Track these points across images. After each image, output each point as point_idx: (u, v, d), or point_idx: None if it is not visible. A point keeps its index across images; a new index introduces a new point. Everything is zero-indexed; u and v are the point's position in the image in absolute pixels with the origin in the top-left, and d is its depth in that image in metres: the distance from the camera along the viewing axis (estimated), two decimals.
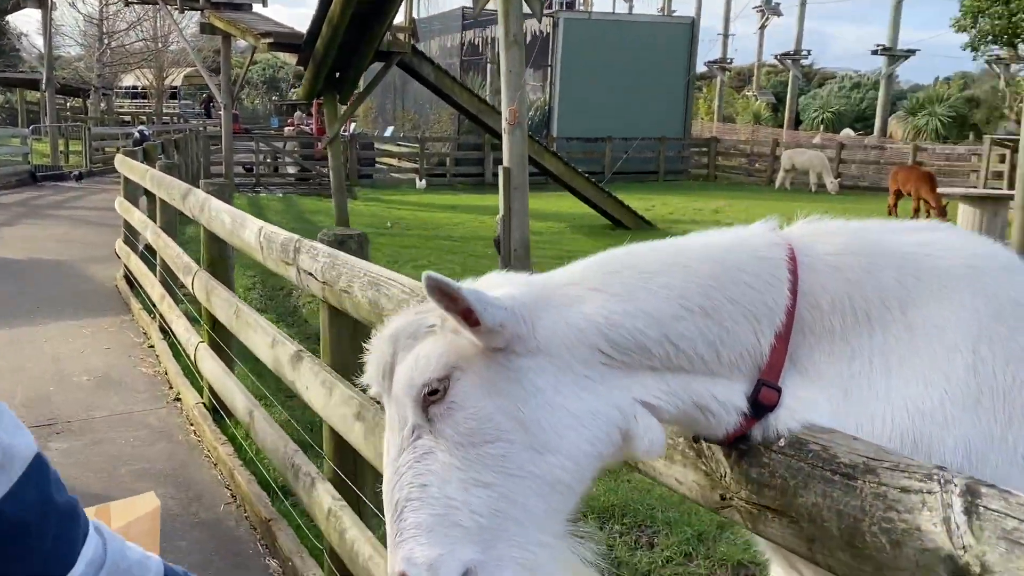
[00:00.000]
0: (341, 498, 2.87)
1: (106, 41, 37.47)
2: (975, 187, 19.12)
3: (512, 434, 1.06)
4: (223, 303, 4.17)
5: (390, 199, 19.62)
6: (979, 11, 21.92)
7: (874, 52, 32.72)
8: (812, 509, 1.10)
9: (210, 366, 4.63)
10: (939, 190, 15.81)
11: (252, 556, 3.58)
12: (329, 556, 3.00)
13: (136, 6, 27.29)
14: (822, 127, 36.31)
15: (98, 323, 7.39)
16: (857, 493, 1.04)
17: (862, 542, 1.03)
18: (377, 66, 13.95)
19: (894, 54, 32.34)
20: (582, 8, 32.00)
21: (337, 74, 13.36)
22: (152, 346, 6.60)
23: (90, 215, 14.96)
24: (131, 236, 8.66)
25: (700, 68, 33.80)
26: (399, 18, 13.48)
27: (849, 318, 1.16)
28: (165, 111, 41.28)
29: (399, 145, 25.55)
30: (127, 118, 36.66)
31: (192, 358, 5.07)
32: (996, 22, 22.15)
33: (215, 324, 4.73)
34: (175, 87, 48.17)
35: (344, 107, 14.09)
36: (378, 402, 1.22)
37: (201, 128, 27.54)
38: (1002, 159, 20.73)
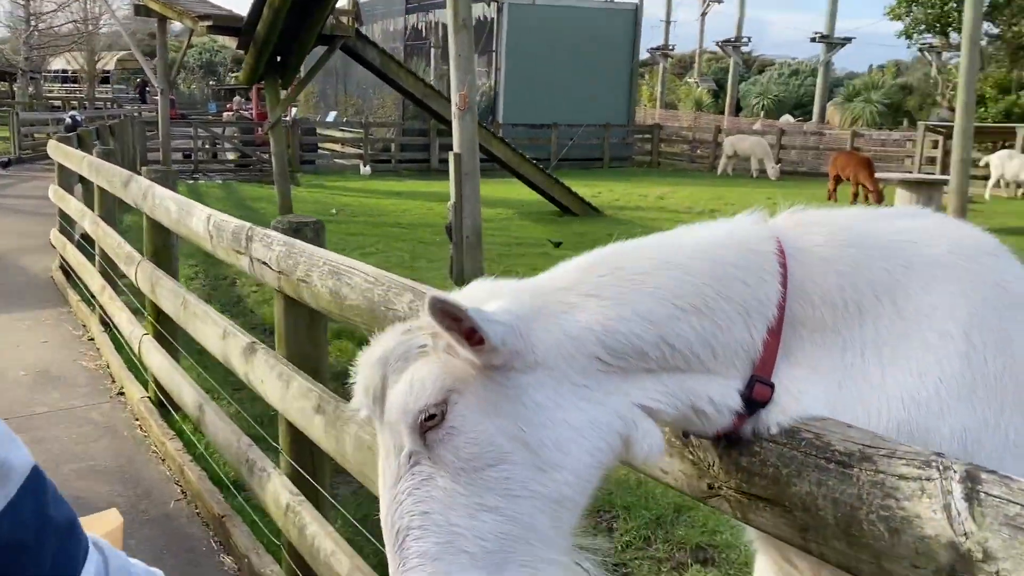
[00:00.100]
0: (299, 493, 2.80)
1: (33, 23, 36.09)
2: (910, 172, 19.63)
3: (515, 455, 1.02)
4: (169, 294, 4.04)
5: (334, 185, 19.34)
6: (913, 0, 22.47)
7: (812, 40, 33.32)
8: (806, 498, 1.08)
9: (156, 359, 4.49)
10: (877, 175, 16.19)
11: (205, 553, 3.49)
12: (288, 552, 2.94)
13: None
14: (762, 114, 36.89)
15: (34, 316, 7.13)
16: (853, 481, 1.03)
17: (859, 530, 1.02)
18: (320, 50, 13.69)
19: (831, 42, 32.98)
20: None
21: (279, 58, 13.08)
22: (92, 339, 6.39)
23: (21, 204, 14.42)
24: (67, 225, 8.36)
25: (643, 55, 34.00)
26: (342, 1, 13.25)
27: (840, 310, 1.15)
28: (98, 96, 39.94)
29: (342, 130, 25.18)
30: (57, 103, 35.40)
31: (136, 351, 4.91)
32: (929, 11, 22.74)
33: (160, 316, 4.58)
34: (107, 71, 46.74)
35: (286, 92, 13.81)
36: (354, 407, 1.17)
37: (136, 113, 26.77)
38: (935, 145, 21.32)
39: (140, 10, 16.51)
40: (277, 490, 2.85)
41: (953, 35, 24.87)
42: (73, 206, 7.68)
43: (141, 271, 4.62)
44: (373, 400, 1.08)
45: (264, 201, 15.41)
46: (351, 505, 3.64)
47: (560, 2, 25.08)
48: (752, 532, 1.43)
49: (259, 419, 4.59)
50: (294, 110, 25.26)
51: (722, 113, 35.18)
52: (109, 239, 5.78)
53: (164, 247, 4.69)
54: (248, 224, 2.99)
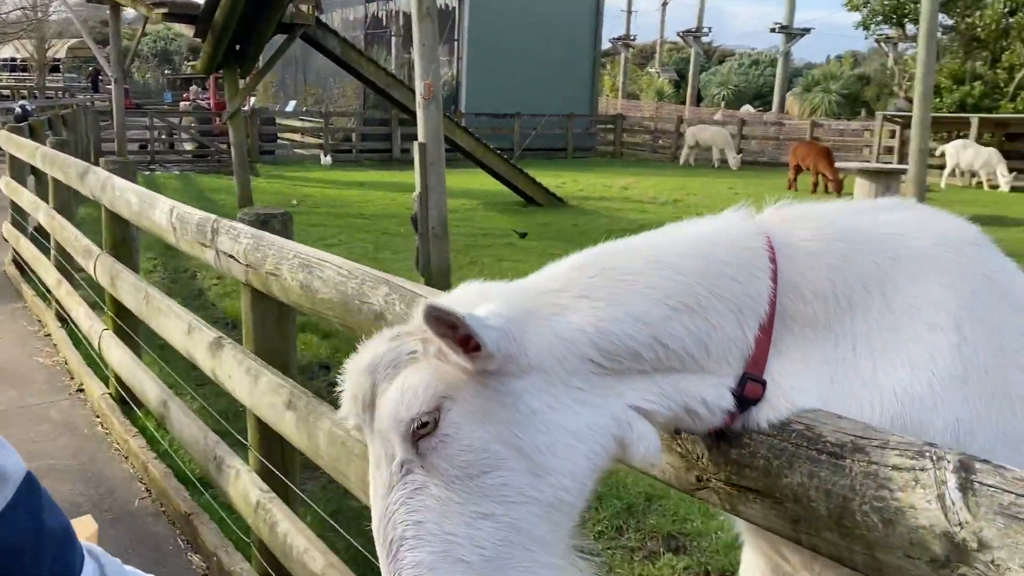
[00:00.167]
0: (270, 490, 2.76)
1: None
2: (868, 161, 19.94)
3: (510, 461, 1.01)
4: (131, 288, 3.94)
5: (294, 176, 19.12)
6: None
7: (772, 30, 33.66)
8: (798, 489, 1.08)
9: (117, 355, 4.39)
10: (836, 165, 16.41)
11: (172, 552, 3.42)
12: (258, 549, 2.89)
13: None
14: (723, 104, 37.19)
15: None
16: (846, 472, 1.03)
17: (852, 521, 1.02)
18: (279, 39, 13.49)
19: (790, 32, 33.35)
20: None
21: (237, 47, 12.86)
22: (49, 335, 6.24)
23: None
24: (19, 218, 8.14)
25: (604, 45, 34.04)
26: None
27: (831, 304, 1.14)
28: (48, 85, 39.00)
29: (302, 120, 24.88)
30: (6, 92, 34.52)
31: (96, 347, 4.80)
32: (886, 2, 23.06)
33: (120, 310, 4.48)
34: (58, 59, 45.61)
35: (246, 81, 13.59)
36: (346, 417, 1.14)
37: (89, 103, 26.16)
38: (892, 134, 21.68)
39: None
40: (247, 487, 2.80)
41: (909, 26, 25.29)
42: (26, 198, 7.47)
43: (100, 265, 4.51)
44: (362, 408, 1.05)
45: (223, 192, 15.18)
46: (320, 500, 3.59)
47: None
48: (741, 525, 1.42)
49: (224, 414, 4.52)
50: (252, 99, 24.90)
51: (683, 103, 35.41)
52: (65, 232, 5.63)
53: (124, 240, 4.58)
54: (213, 216, 2.93)
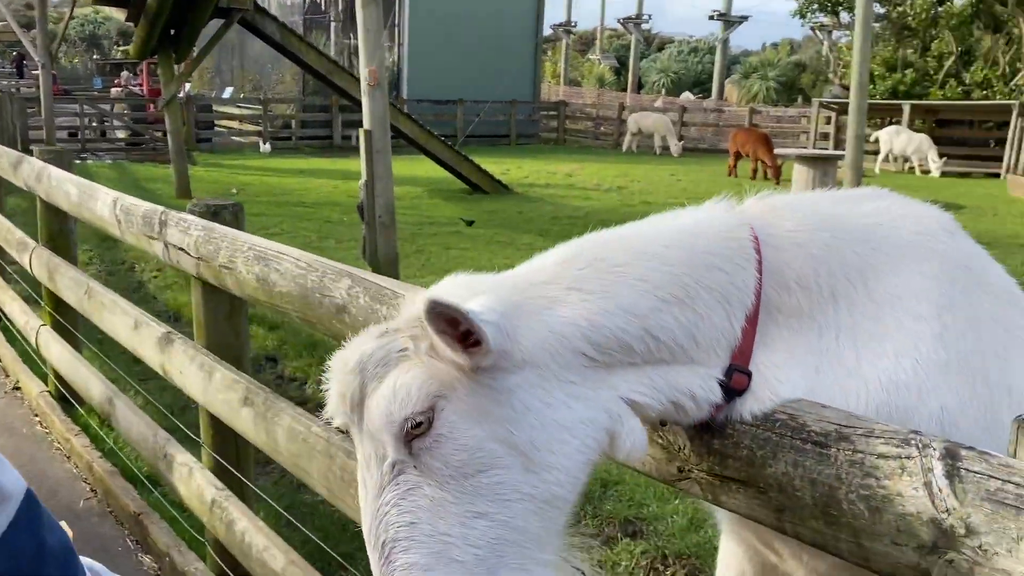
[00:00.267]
0: (225, 487, 2.70)
1: None
2: (805, 147, 20.35)
3: (505, 459, 0.99)
4: (71, 283, 3.81)
5: (233, 164, 18.73)
6: None
7: (711, 17, 34.03)
8: (782, 479, 1.08)
9: (57, 351, 4.24)
10: (775, 151, 16.70)
11: (122, 553, 3.32)
12: (214, 549, 2.83)
13: None
14: (663, 91, 37.53)
15: None
16: (831, 461, 1.04)
17: (838, 510, 1.02)
18: (216, 23, 13.16)
19: (729, 19, 33.76)
20: None
21: (172, 31, 12.51)
22: None
23: None
24: None
25: (545, 31, 34.05)
26: None
27: (815, 294, 1.15)
28: None
29: (239, 107, 24.36)
30: None
31: (34, 343, 4.63)
32: None
33: (59, 305, 4.33)
34: None
35: (181, 67, 13.24)
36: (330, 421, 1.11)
37: (15, 89, 25.19)
38: (828, 121, 22.15)
39: None
40: (201, 485, 2.73)
41: (843, 14, 25.85)
42: None
43: (36, 258, 4.34)
44: (351, 408, 1.02)
45: (160, 181, 14.78)
46: (273, 496, 3.53)
47: None
48: (721, 514, 1.43)
49: (169, 409, 4.40)
50: (187, 86, 24.30)
51: (624, 90, 35.62)
52: None
53: (61, 232, 4.42)
54: (161, 208, 2.83)
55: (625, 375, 1.07)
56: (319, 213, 12.21)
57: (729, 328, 1.11)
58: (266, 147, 21.22)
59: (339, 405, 1.04)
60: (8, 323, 5.38)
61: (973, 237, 1.33)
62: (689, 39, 44.98)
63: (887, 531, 0.98)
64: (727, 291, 1.11)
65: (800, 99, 30.72)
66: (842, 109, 20.51)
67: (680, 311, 1.08)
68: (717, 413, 1.13)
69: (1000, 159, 19.20)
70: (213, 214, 2.65)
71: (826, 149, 19.42)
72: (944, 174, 18.65)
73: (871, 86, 22.36)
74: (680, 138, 23.26)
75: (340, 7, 25.01)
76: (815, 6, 25.28)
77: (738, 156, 17.68)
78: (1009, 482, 0.89)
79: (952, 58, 22.71)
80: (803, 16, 26.39)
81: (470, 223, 11.33)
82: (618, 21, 39.12)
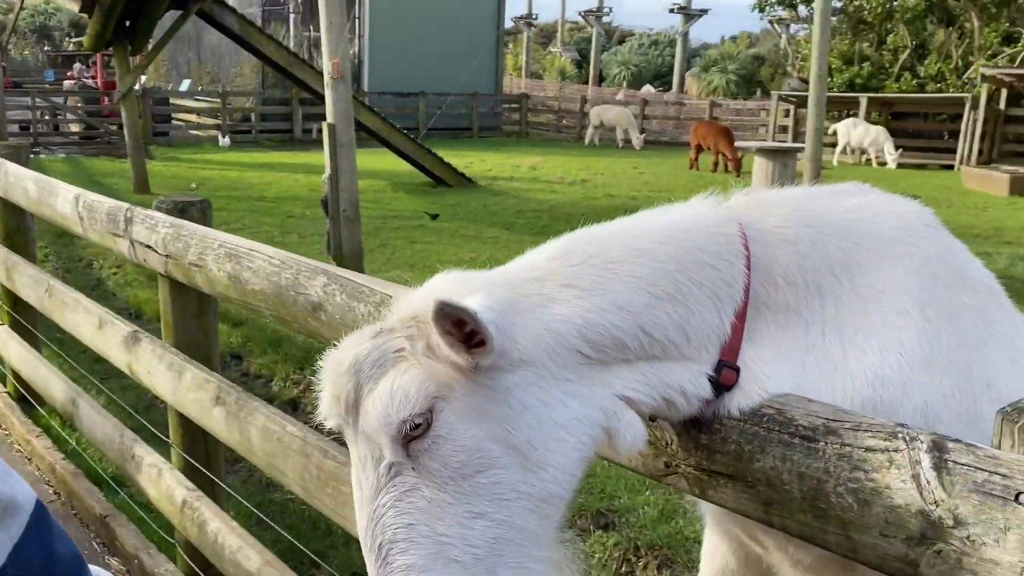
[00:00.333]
0: (196, 488, 2.66)
1: None
2: (765, 140, 20.56)
3: (504, 459, 0.99)
4: (30, 281, 3.72)
5: (191, 158, 18.44)
6: None
7: (671, 11, 34.24)
8: (770, 473, 1.09)
9: (16, 351, 4.15)
10: (736, 144, 16.87)
11: (89, 556, 3.22)
12: (184, 550, 2.79)
13: None
14: (624, 84, 37.70)
15: None
16: (820, 455, 1.05)
17: (827, 503, 1.04)
18: (173, 14, 12.92)
19: (689, 13, 34.01)
20: None
21: (128, 23, 12.26)
22: None
23: None
24: None
25: (506, 24, 33.99)
26: None
27: (801, 290, 1.16)
28: None
29: (197, 100, 23.97)
30: None
31: None
32: None
33: (17, 303, 4.22)
34: None
35: (137, 59, 12.98)
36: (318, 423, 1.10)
37: None
38: (787, 114, 22.41)
39: None
40: (171, 486, 2.69)
41: (801, 8, 26.16)
42: None
43: None
44: (345, 409, 1.01)
45: (116, 176, 14.50)
46: (243, 495, 3.49)
47: None
48: (705, 508, 1.44)
49: (133, 408, 4.33)
50: (143, 78, 23.87)
51: (586, 83, 35.71)
52: None
53: (19, 229, 4.31)
54: (126, 204, 2.78)
55: (619, 372, 1.07)
56: (281, 208, 12.08)
57: (719, 324, 1.12)
58: (225, 141, 20.93)
59: (333, 406, 1.02)
60: None
61: None
62: (649, 32, 45.21)
63: (876, 523, 0.99)
64: (717, 287, 1.11)
65: (759, 92, 31.06)
66: (800, 102, 20.77)
67: (673, 307, 1.09)
68: (705, 408, 1.13)
69: (954, 151, 19.60)
70: (181, 211, 2.61)
71: (785, 142, 19.65)
72: (900, 166, 18.99)
73: (829, 79, 22.70)
74: (642, 131, 23.38)
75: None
76: (774, 0, 25.59)
77: (699, 149, 17.83)
78: (996, 473, 0.90)
79: (907, 52, 23.12)
80: (762, 10, 26.68)
81: (434, 217, 11.29)
82: (579, 14, 39.21)
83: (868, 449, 1.01)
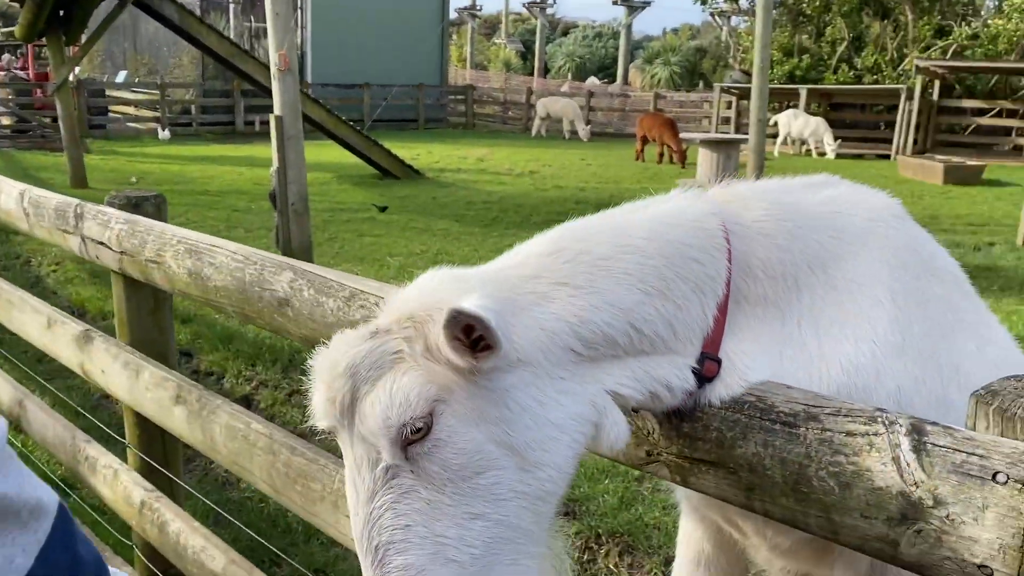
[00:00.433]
0: (155, 488, 2.61)
1: None
2: (708, 132, 20.86)
3: (502, 460, 1.00)
4: None
5: (130, 151, 18.01)
6: None
7: (614, 2, 34.46)
8: (752, 459, 1.11)
9: None
10: (680, 136, 17.07)
11: None
12: (143, 551, 2.73)
13: None
14: (569, 75, 37.84)
15: None
16: (801, 440, 1.07)
17: (808, 487, 1.06)
18: (109, 3, 12.56)
19: (632, 5, 34.27)
20: None
21: (62, 12, 11.88)
22: None
23: None
24: None
25: (451, 15, 33.82)
26: None
27: (779, 282, 1.18)
28: None
29: (135, 92, 23.37)
30: None
31: None
32: None
33: None
34: None
35: (72, 49, 12.60)
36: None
37: None
38: (729, 105, 22.75)
39: None
40: (128, 487, 2.63)
41: (742, 0, 26.57)
42: None
43: None
44: (340, 412, 1.00)
45: (51, 170, 14.08)
46: (198, 494, 3.44)
47: None
48: (681, 495, 1.46)
49: (80, 409, 4.22)
50: (76, 69, 23.18)
51: (531, 74, 35.76)
52: None
53: None
54: (75, 200, 2.70)
55: (609, 368, 1.08)
56: (225, 201, 11.87)
57: (702, 317, 1.14)
58: (165, 133, 20.47)
59: (328, 409, 1.01)
60: None
61: None
62: (593, 24, 45.44)
63: (857, 505, 1.02)
64: (702, 281, 1.13)
65: (701, 84, 31.47)
66: (742, 94, 21.10)
67: (661, 303, 1.10)
68: (687, 399, 1.15)
69: (890, 141, 20.12)
70: (134, 206, 2.54)
71: (728, 133, 19.95)
72: (839, 156, 19.43)
73: (770, 71, 23.10)
74: (588, 123, 23.52)
75: None
76: None
77: (645, 141, 18.00)
78: (973, 454, 0.94)
79: (844, 44, 23.65)
80: (703, 2, 27.02)
81: (383, 209, 11.20)
82: (523, 5, 39.19)
83: (848, 433, 1.04)
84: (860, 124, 22.28)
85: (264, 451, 2.02)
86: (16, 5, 12.53)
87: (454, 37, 41.61)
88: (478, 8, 41.70)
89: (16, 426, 3.63)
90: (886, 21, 23.49)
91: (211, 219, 10.31)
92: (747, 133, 14.40)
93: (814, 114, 20.63)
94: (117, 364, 2.54)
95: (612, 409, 1.08)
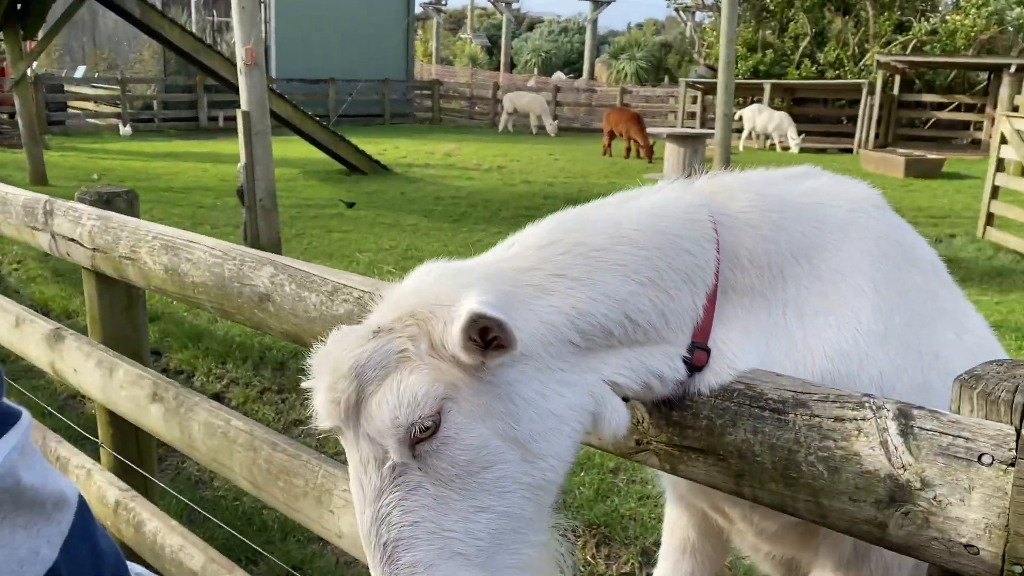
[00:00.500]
0: (129, 488, 2.58)
1: None
2: (674, 126, 20.99)
3: (508, 454, 1.01)
4: None
5: (91, 148, 17.69)
6: None
7: None
8: (742, 445, 1.13)
9: None
10: (647, 130, 17.17)
11: None
12: None
13: None
14: (535, 70, 37.85)
15: None
16: (790, 426, 1.09)
17: (797, 472, 1.08)
18: None
19: (597, 0, 34.33)
20: None
21: (19, 5, 11.64)
22: None
23: None
24: None
25: (416, 10, 33.64)
26: None
27: (766, 273, 1.20)
28: None
29: (94, 87, 22.94)
30: None
31: None
32: None
33: None
34: None
35: (31, 44, 12.34)
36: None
37: None
38: (694, 100, 22.91)
39: None
40: (102, 487, 2.60)
41: None
42: None
43: None
44: (345, 412, 1.00)
45: (10, 167, 13.78)
46: (171, 493, 3.40)
47: None
48: (667, 484, 1.48)
49: (44, 409, 4.15)
50: (34, 64, 22.69)
51: (497, 69, 35.71)
52: None
53: None
54: (44, 196, 2.65)
55: (605, 358, 1.10)
56: (190, 198, 11.72)
57: (693, 307, 1.15)
58: (126, 129, 20.14)
59: (332, 410, 1.01)
60: None
61: None
62: (558, 18, 45.48)
63: (846, 489, 1.04)
64: (692, 272, 1.15)
65: (667, 79, 31.65)
66: (707, 89, 21.28)
67: (655, 293, 1.12)
68: (677, 388, 1.17)
69: (852, 135, 20.42)
70: (106, 202, 2.51)
71: (694, 128, 20.11)
72: (803, 150, 19.66)
73: (735, 66, 23.30)
74: (555, 117, 23.55)
75: None
76: None
77: (612, 135, 18.08)
78: (960, 437, 0.96)
79: (807, 39, 23.92)
80: None
81: (351, 205, 11.14)
82: (488, 0, 39.09)
83: (837, 419, 1.06)
84: (823, 118, 22.57)
85: (245, 448, 2.01)
86: None
87: (419, 32, 41.41)
88: (443, 3, 41.53)
89: None
90: (848, 17, 23.81)
91: (176, 216, 10.17)
92: (713, 128, 14.52)
93: (778, 109, 20.85)
94: (90, 362, 2.50)
95: (611, 398, 1.09)
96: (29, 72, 15.96)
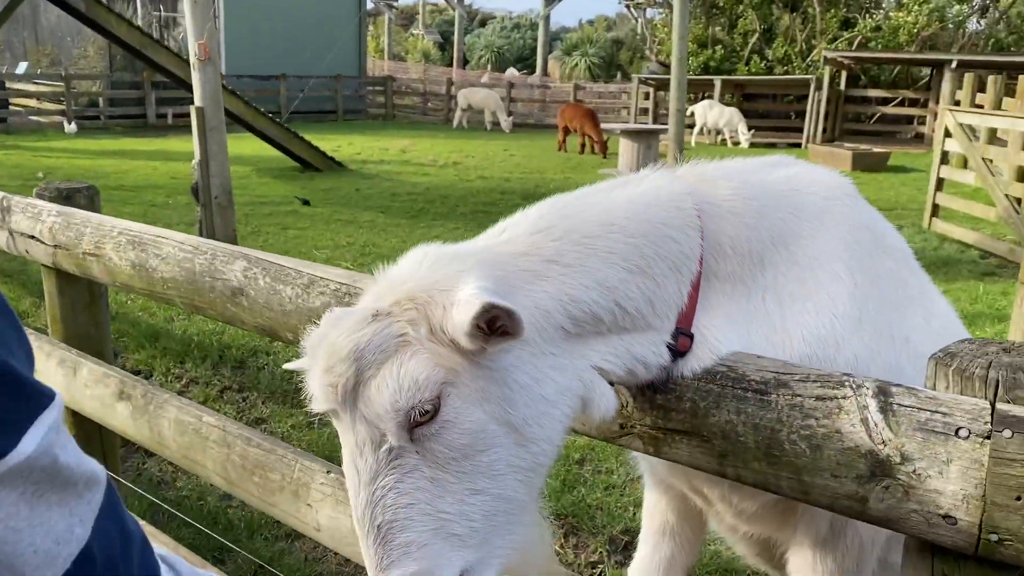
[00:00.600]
0: None
1: None
2: (627, 122, 21.16)
3: (503, 438, 1.03)
4: None
5: (34, 146, 17.24)
6: None
7: None
8: (725, 426, 1.16)
9: None
10: (601, 126, 17.28)
11: None
12: None
13: None
14: (488, 66, 37.81)
15: None
16: (772, 406, 1.12)
17: (780, 450, 1.12)
18: None
19: None
20: None
21: None
22: None
23: None
24: None
25: (367, 5, 33.37)
26: None
27: (747, 260, 1.24)
28: None
29: (37, 84, 22.35)
30: None
31: None
32: None
33: None
34: None
35: None
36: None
37: None
38: (647, 96, 23.11)
39: None
40: None
41: None
42: None
43: None
44: (342, 396, 1.00)
45: None
46: (136, 494, 3.35)
47: None
48: (645, 468, 1.51)
49: None
50: None
51: (450, 65, 35.58)
52: None
53: None
54: (1, 192, 2.59)
55: (594, 344, 1.12)
56: (141, 197, 11.50)
57: (678, 294, 1.18)
58: (71, 127, 19.67)
59: (328, 393, 1.01)
60: None
61: None
62: (510, 15, 45.50)
63: (827, 466, 1.08)
64: (678, 259, 1.17)
65: (619, 75, 31.86)
66: (659, 85, 21.48)
67: (643, 280, 1.14)
68: (661, 373, 1.19)
69: (800, 130, 20.78)
70: (66, 198, 2.46)
71: (647, 124, 20.29)
72: (752, 145, 19.95)
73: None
74: (509, 114, 23.57)
75: None
76: None
77: (567, 131, 18.15)
78: (937, 412, 1.00)
79: (756, 35, 24.28)
80: None
81: (306, 202, 11.03)
82: None
83: (818, 398, 1.09)
84: (772, 114, 22.93)
85: (218, 444, 1.99)
86: None
87: (371, 28, 41.07)
88: None
89: None
90: (795, 13, 24.22)
91: (128, 215, 9.94)
92: (665, 123, 14.70)
93: (728, 104, 21.13)
94: (51, 362, 2.45)
95: (599, 382, 1.12)
96: None
